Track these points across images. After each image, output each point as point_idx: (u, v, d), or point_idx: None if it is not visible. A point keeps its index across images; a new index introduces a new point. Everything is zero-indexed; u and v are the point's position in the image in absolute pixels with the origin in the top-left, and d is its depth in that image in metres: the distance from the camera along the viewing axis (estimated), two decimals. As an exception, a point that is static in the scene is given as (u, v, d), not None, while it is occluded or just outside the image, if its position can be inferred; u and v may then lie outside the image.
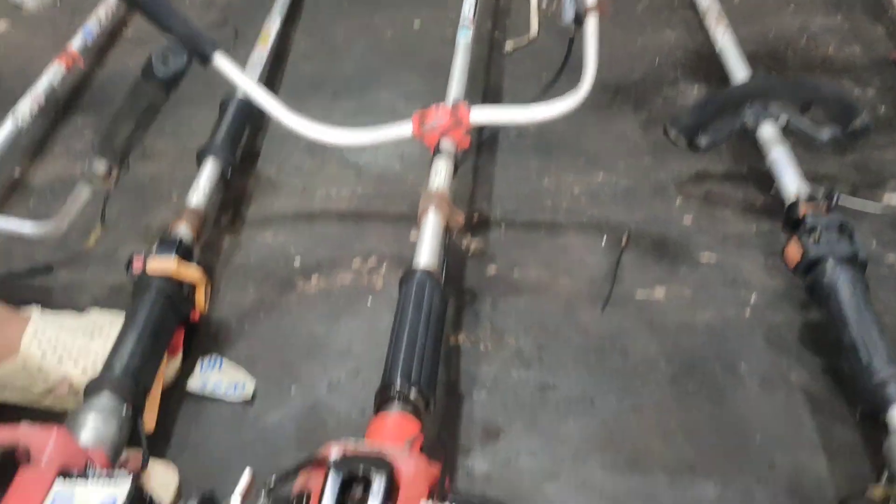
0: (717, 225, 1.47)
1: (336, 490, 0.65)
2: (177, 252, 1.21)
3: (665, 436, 1.13)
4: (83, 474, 0.77)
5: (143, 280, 1.17)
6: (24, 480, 0.74)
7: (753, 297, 1.33)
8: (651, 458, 1.11)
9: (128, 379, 1.03)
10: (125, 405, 0.99)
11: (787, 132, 1.42)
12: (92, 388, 1.01)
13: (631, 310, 1.32)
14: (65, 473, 0.77)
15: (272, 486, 0.69)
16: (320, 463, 0.71)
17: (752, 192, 1.50)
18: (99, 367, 1.05)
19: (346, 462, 0.68)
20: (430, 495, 0.69)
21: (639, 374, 1.22)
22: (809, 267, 1.18)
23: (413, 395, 0.95)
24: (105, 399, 1.00)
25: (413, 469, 0.71)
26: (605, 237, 1.46)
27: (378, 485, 0.65)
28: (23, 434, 0.79)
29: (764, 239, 1.43)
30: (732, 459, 1.10)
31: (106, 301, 1.32)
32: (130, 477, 0.77)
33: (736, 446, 1.12)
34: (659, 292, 1.35)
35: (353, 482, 0.67)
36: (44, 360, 1.08)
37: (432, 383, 1.02)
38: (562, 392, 1.20)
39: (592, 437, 1.14)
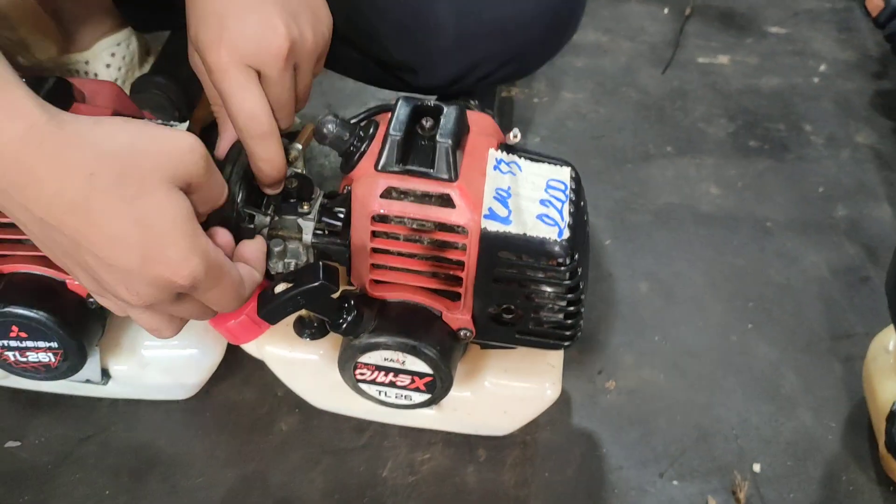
0: (789, 1, 1.39)
1: (406, 115, 0.61)
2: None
3: (723, 184, 1.09)
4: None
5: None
6: (78, 111, 0.72)
7: (823, 67, 1.27)
8: (706, 202, 1.07)
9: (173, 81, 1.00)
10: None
11: None
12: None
13: (693, 73, 1.27)
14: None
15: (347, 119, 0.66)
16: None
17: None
18: None
19: (415, 99, 0.64)
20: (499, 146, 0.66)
21: (698, 130, 1.18)
22: (892, 15, 1.11)
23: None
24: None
25: (477, 118, 0.67)
26: (667, 7, 1.38)
27: (448, 115, 0.62)
28: (77, 81, 0.76)
29: (838, 15, 1.35)
30: (792, 206, 1.06)
31: None
32: (188, 122, 0.75)
33: (797, 196, 1.08)
34: (723, 59, 1.29)
35: (422, 118, 0.63)
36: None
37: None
38: (618, 142, 1.16)
39: (646, 182, 1.10)
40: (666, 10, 1.37)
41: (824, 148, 1.14)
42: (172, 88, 0.96)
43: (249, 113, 0.57)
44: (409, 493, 0.77)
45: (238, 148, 0.64)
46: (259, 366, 0.85)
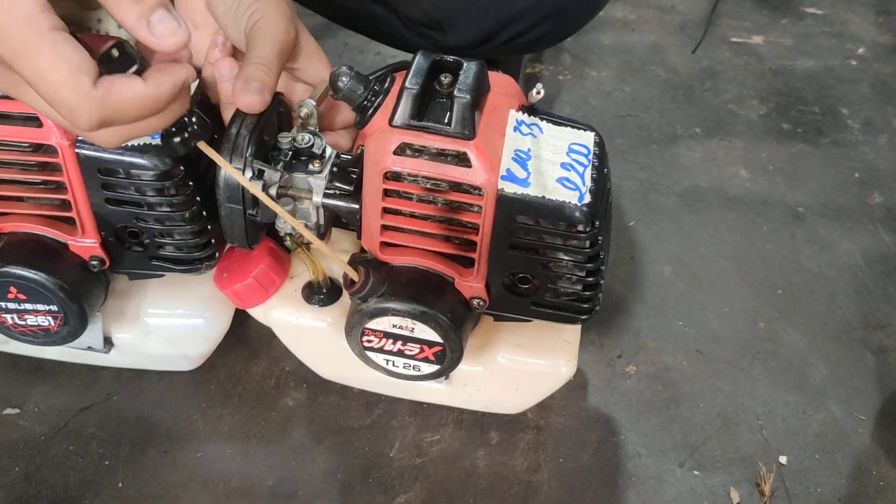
0: (826, -19, 1.34)
1: (424, 69, 0.58)
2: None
3: (753, 167, 1.05)
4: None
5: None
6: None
7: (861, 50, 1.22)
8: (735, 185, 1.03)
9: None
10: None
11: None
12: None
13: (725, 53, 1.22)
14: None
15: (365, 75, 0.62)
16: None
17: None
18: None
19: (433, 55, 0.61)
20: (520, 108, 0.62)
21: (728, 111, 1.14)
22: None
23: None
24: None
25: (499, 78, 0.64)
26: (700, -15, 1.33)
27: (468, 70, 0.58)
28: (86, 37, 0.73)
29: (877, -3, 1.30)
30: (826, 192, 1.02)
31: None
32: (197, 81, 0.72)
33: (832, 181, 1.04)
34: (756, 39, 1.24)
35: (440, 73, 0.60)
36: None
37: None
38: (644, 121, 1.12)
39: (672, 163, 1.06)
40: (698, -11, 1.32)
41: (861, 133, 1.10)
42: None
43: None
44: (415, 475, 0.74)
45: None
46: (266, 340, 0.83)
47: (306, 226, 0.62)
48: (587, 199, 0.57)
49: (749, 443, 0.77)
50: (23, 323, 0.70)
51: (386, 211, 0.59)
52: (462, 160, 0.56)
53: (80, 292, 0.68)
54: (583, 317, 0.62)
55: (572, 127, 0.62)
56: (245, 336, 0.83)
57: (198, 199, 0.66)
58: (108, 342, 0.76)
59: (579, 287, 0.61)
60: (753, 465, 0.75)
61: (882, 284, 0.91)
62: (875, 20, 1.26)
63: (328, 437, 0.76)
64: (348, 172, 0.61)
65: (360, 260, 0.60)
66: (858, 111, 1.12)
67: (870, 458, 0.76)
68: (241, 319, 0.79)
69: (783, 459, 0.76)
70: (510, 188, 0.56)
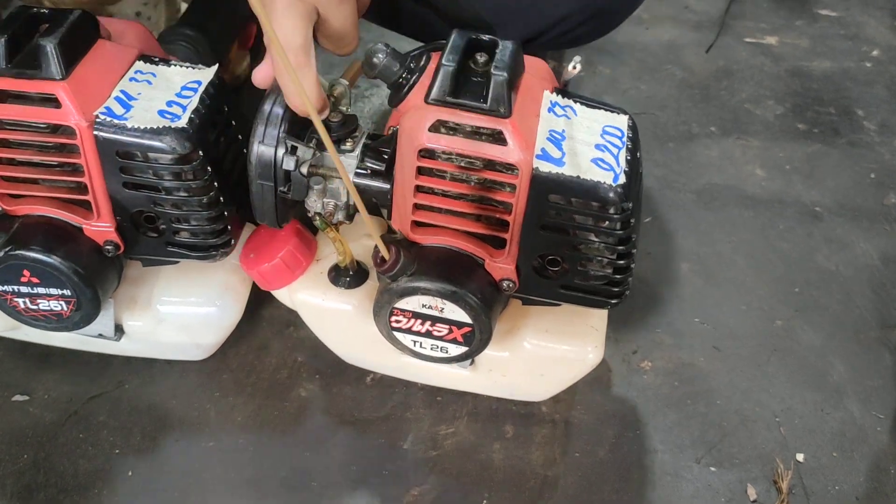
0: (841, -16, 1.34)
1: (461, 47, 0.58)
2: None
3: (770, 166, 1.05)
4: (165, 62, 0.71)
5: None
6: (103, 49, 0.68)
7: (876, 52, 1.22)
8: (752, 183, 1.02)
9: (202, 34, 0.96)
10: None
11: None
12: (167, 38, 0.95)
13: (740, 53, 1.22)
14: (146, 58, 0.71)
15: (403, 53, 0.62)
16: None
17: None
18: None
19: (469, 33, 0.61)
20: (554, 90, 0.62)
21: (745, 110, 1.13)
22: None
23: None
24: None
25: (532, 61, 0.64)
26: (715, -15, 1.33)
27: (504, 49, 0.58)
28: (104, 19, 0.73)
29: (892, 2, 1.30)
30: (842, 192, 1.01)
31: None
32: (216, 66, 0.71)
33: (848, 181, 1.03)
34: (771, 40, 1.24)
35: (475, 52, 0.59)
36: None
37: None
38: (660, 119, 1.11)
39: (689, 161, 1.05)
40: (712, -11, 1.32)
41: (877, 134, 1.09)
42: (201, 41, 0.93)
43: (282, 43, 0.54)
44: (430, 467, 0.73)
45: None
46: (279, 329, 0.82)
47: (335, 205, 0.61)
48: (621, 179, 0.56)
49: (766, 440, 0.76)
50: (35, 307, 0.69)
51: (419, 189, 0.59)
52: (497, 138, 0.56)
53: (94, 277, 0.68)
54: (612, 301, 0.62)
55: (606, 109, 0.61)
56: (257, 326, 0.82)
57: (215, 184, 0.65)
58: (118, 329, 0.76)
59: (609, 270, 0.60)
60: (771, 462, 0.74)
61: (900, 284, 0.90)
62: (890, 23, 1.26)
63: (342, 429, 0.75)
64: (380, 152, 0.61)
65: (390, 239, 0.60)
66: (874, 113, 1.12)
67: (888, 456, 0.75)
68: (252, 309, 0.78)
69: (801, 457, 0.75)
70: (545, 167, 0.56)
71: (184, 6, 1.05)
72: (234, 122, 0.70)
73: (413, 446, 0.74)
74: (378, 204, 0.62)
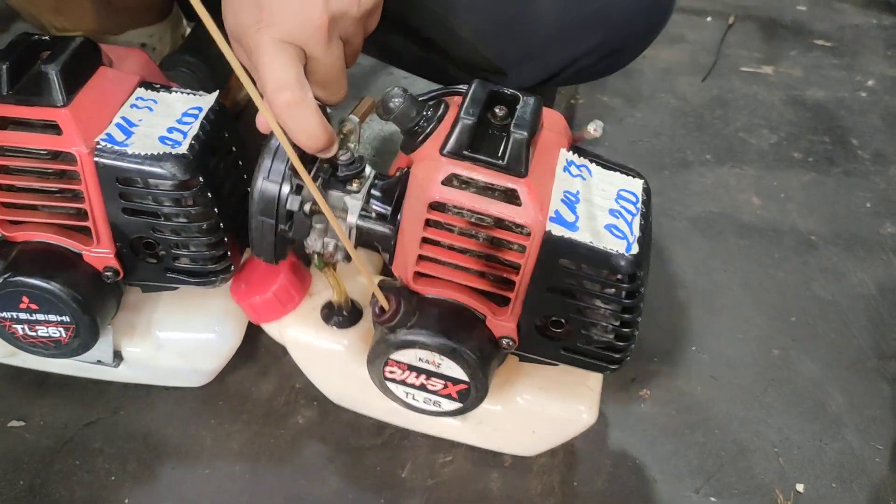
0: (834, 15, 1.35)
1: (481, 100, 0.56)
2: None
3: (765, 194, 1.05)
4: (166, 88, 0.72)
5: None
6: (104, 76, 0.68)
7: (871, 82, 1.23)
8: (747, 212, 1.03)
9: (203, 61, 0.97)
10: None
11: None
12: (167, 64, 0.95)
13: (735, 82, 1.23)
14: (147, 85, 0.71)
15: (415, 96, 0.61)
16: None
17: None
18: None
19: (490, 83, 0.60)
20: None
21: (739, 139, 1.14)
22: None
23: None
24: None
25: (549, 114, 0.63)
26: (710, 15, 1.34)
27: (526, 105, 0.57)
28: (105, 46, 0.73)
29: (886, 32, 1.32)
30: (838, 221, 1.02)
31: None
32: (216, 93, 0.71)
33: (844, 211, 1.04)
34: (766, 69, 1.25)
35: (494, 105, 0.58)
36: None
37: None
38: (655, 147, 1.12)
39: (684, 189, 1.06)
40: (709, 18, 1.34)
41: (871, 163, 1.10)
42: (201, 67, 0.94)
43: (276, 82, 0.54)
44: (427, 496, 0.73)
45: None
46: (277, 357, 0.82)
47: (335, 245, 0.61)
48: (634, 249, 0.55)
49: (765, 470, 0.76)
50: (33, 334, 0.69)
51: (425, 241, 0.57)
52: (511, 197, 0.55)
53: (92, 304, 0.67)
54: (612, 366, 0.61)
55: (622, 172, 0.61)
56: (255, 352, 0.82)
57: (215, 210, 0.65)
58: (117, 356, 0.75)
59: (612, 336, 0.59)
60: (770, 492, 0.74)
61: (896, 314, 0.91)
62: (884, 53, 1.28)
63: (339, 457, 0.75)
64: (387, 195, 0.59)
65: (390, 287, 0.59)
66: (869, 142, 1.13)
67: (887, 487, 0.75)
68: (250, 335, 0.78)
69: (800, 487, 0.75)
70: (558, 230, 0.55)
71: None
72: (234, 149, 0.70)
73: (410, 475, 0.74)
74: (380, 249, 0.61)
